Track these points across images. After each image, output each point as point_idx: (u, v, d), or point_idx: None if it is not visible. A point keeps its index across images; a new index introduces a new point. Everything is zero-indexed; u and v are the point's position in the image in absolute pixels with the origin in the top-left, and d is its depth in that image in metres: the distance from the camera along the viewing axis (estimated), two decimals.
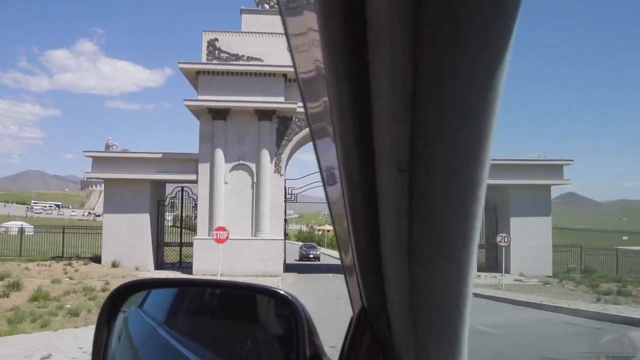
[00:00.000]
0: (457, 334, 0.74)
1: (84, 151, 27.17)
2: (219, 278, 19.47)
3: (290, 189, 29.46)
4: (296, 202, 29.83)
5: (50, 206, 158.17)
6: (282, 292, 1.27)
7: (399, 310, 0.75)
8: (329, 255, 49.74)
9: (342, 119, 0.55)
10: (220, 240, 20.83)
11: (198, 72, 26.24)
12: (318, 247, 44.16)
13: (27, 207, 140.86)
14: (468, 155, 0.52)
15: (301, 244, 49.20)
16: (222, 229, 21.37)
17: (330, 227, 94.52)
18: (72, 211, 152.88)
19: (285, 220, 31.51)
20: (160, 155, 26.87)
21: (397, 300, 0.73)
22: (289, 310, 1.20)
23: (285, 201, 28.72)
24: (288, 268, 30.77)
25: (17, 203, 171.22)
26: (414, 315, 0.72)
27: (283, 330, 1.33)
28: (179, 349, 1.57)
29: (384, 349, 0.84)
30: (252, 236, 26.35)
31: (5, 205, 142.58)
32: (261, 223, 26.23)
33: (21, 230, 35.12)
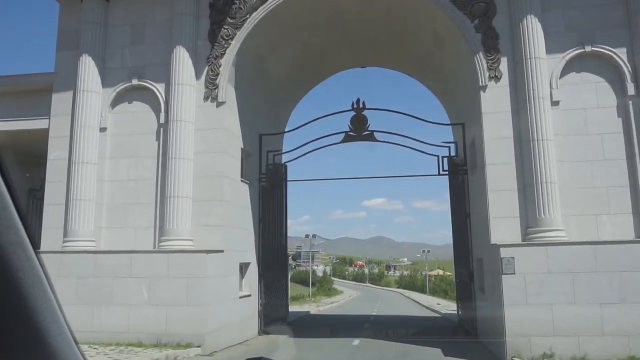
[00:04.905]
0: None
1: None
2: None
3: (272, 155, 13.98)
4: (285, 180, 14.20)
5: None
6: None
7: None
8: (418, 304, 32.99)
9: None
10: None
11: None
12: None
13: None
14: None
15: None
16: None
17: (438, 271, 74.61)
18: None
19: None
20: None
21: None
22: None
23: (266, 174, 13.45)
24: (288, 323, 15.08)
25: None
26: None
27: None
28: None
29: None
30: (154, 246, 11.30)
31: None
32: (169, 215, 11.12)
33: None
